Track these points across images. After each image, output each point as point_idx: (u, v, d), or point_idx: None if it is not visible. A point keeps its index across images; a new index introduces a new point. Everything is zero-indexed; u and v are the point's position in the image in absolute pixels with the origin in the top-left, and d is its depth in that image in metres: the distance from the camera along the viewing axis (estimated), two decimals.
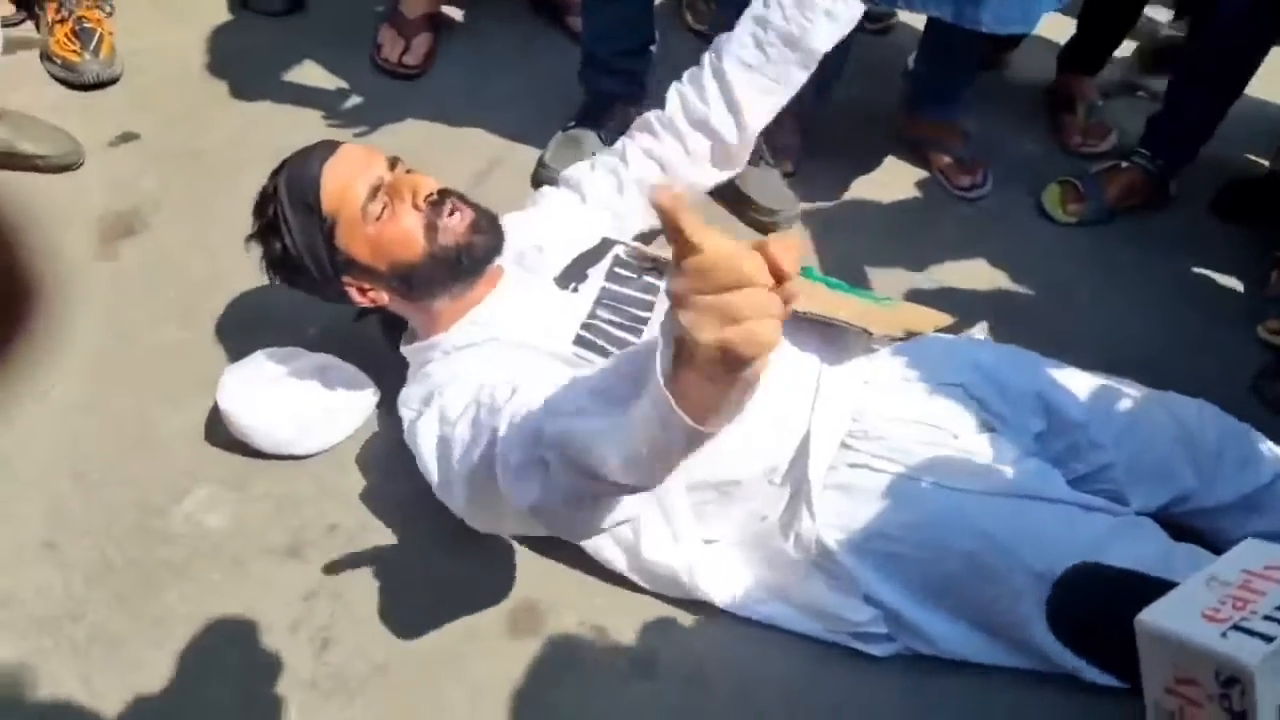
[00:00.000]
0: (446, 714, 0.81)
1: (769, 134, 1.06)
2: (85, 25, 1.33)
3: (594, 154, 1.17)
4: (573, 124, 1.29)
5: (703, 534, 0.88)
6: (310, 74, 1.39)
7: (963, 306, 1.09)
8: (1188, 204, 1.33)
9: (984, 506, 0.80)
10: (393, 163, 0.84)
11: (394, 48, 1.40)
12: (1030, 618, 0.79)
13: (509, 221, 0.90)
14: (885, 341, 0.94)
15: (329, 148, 0.84)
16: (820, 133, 1.31)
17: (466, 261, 0.83)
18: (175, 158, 1.26)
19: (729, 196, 1.24)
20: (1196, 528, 0.88)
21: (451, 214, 0.82)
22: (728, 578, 0.87)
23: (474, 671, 0.84)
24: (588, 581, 0.89)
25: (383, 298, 0.86)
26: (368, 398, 1.01)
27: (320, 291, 0.88)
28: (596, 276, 0.89)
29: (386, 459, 0.97)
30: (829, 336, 0.90)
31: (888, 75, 1.41)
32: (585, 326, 0.85)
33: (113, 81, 1.34)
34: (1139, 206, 1.30)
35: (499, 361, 0.80)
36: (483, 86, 1.41)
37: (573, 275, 0.89)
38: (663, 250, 0.95)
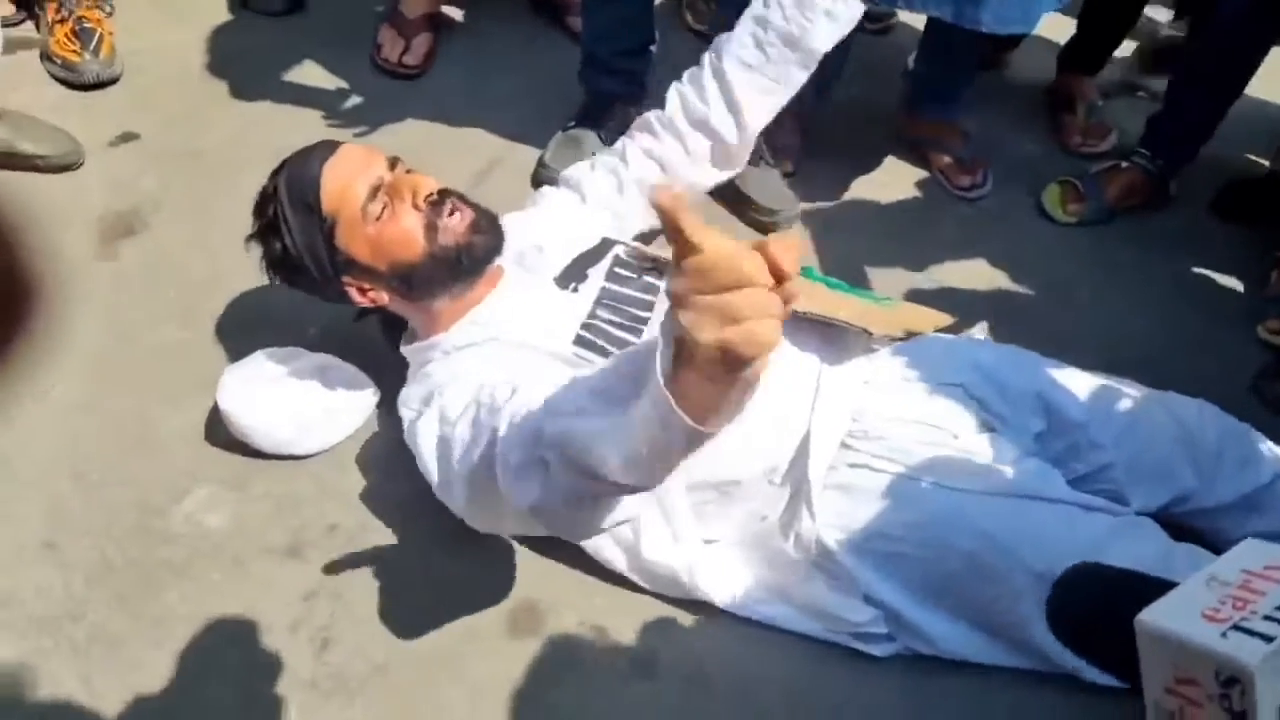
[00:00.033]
0: (446, 714, 0.81)
1: (769, 134, 1.06)
2: (85, 25, 1.33)
3: (594, 154, 1.17)
4: (572, 124, 1.29)
5: (703, 534, 0.87)
6: (310, 74, 1.39)
7: (963, 306, 1.09)
8: (1188, 204, 1.33)
9: (984, 506, 0.80)
10: (393, 163, 0.84)
11: (394, 48, 1.40)
12: (1030, 618, 0.79)
13: (509, 221, 0.90)
14: (885, 341, 0.94)
15: (329, 148, 0.84)
16: (820, 133, 1.31)
17: (466, 261, 0.83)
18: (175, 158, 1.26)
19: (729, 196, 1.24)
20: (1196, 528, 0.88)
21: (451, 214, 0.82)
22: (728, 578, 0.87)
23: (474, 672, 0.84)
24: (588, 581, 0.89)
25: (383, 298, 0.86)
26: (368, 398, 1.01)
27: (320, 291, 0.88)
28: (596, 276, 0.89)
29: (386, 459, 0.97)
30: (829, 336, 0.90)
31: (887, 75, 1.41)
32: (585, 326, 0.85)
33: (113, 81, 1.34)
34: (1139, 206, 1.30)
35: (499, 361, 0.80)
36: (482, 86, 1.41)
37: (573, 275, 0.89)
38: (663, 250, 0.95)
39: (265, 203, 0.85)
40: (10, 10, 1.40)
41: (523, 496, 0.60)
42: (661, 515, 0.85)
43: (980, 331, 1.02)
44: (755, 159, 1.13)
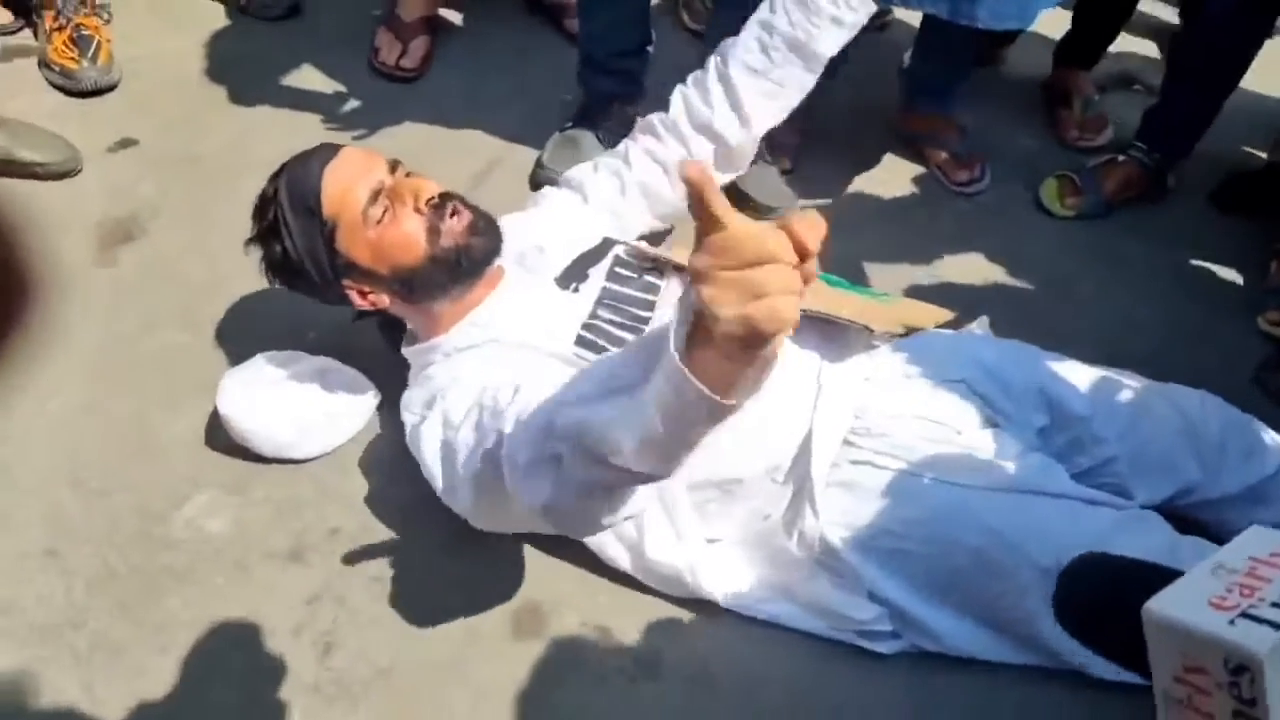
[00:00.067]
0: (450, 718, 0.81)
1: (768, 132, 1.06)
2: (83, 33, 1.33)
3: (592, 154, 1.17)
4: (570, 124, 1.29)
5: (706, 533, 0.87)
6: (308, 78, 1.39)
7: (962, 302, 1.09)
8: (1186, 197, 1.33)
9: (988, 502, 0.80)
10: (393, 166, 0.84)
11: (391, 51, 1.40)
12: (1036, 613, 0.79)
13: (509, 222, 0.90)
14: (886, 338, 0.93)
15: (329, 151, 0.84)
16: (818, 130, 1.31)
17: (465, 263, 0.83)
18: (173, 163, 1.26)
19: (727, 194, 1.24)
20: (1201, 520, 0.88)
21: (452, 216, 0.82)
22: (731, 576, 0.87)
23: (477, 674, 0.83)
24: (591, 581, 0.89)
25: (383, 300, 0.86)
26: (368, 400, 1.00)
27: (320, 294, 0.88)
28: (597, 276, 0.89)
29: (387, 462, 0.97)
30: (829, 334, 0.90)
31: (884, 72, 1.41)
32: (586, 327, 0.85)
33: (111, 88, 1.34)
34: (1136, 199, 1.30)
35: (500, 362, 0.80)
36: (480, 88, 1.41)
37: (573, 275, 0.89)
38: (663, 251, 0.95)
39: (265, 206, 0.85)
40: (8, 18, 1.41)
41: (533, 496, 0.60)
42: (664, 514, 0.85)
43: (980, 327, 1.02)
44: (753, 156, 1.13)
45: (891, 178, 1.34)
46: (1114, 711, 0.80)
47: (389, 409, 0.98)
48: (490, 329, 0.84)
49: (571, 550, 0.89)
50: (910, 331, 0.94)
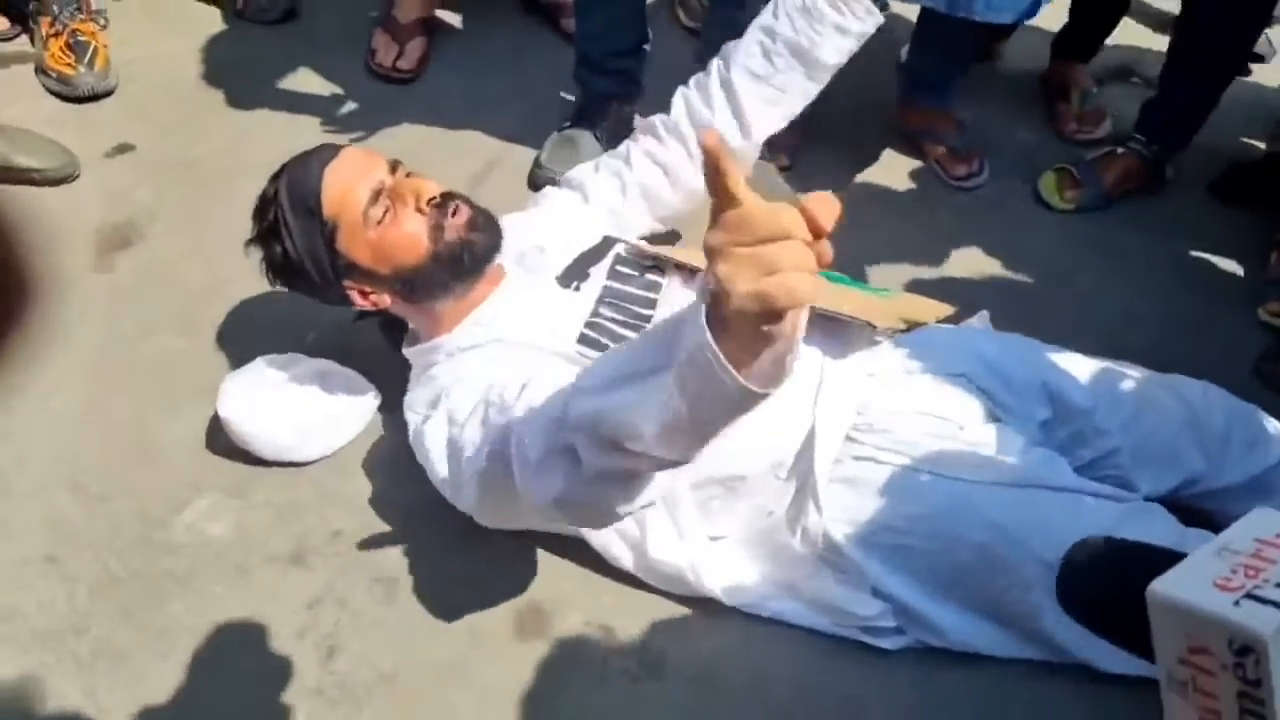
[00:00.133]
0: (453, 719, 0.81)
1: None
2: (80, 39, 1.33)
3: (590, 154, 1.17)
4: (568, 124, 1.29)
5: (709, 530, 0.87)
6: (305, 81, 1.39)
7: (962, 296, 1.08)
8: (1186, 188, 1.33)
9: (992, 497, 0.80)
10: (394, 166, 0.84)
11: (388, 52, 1.40)
12: (1041, 607, 0.79)
13: (509, 222, 0.90)
14: (888, 334, 0.93)
15: (330, 151, 0.84)
16: (816, 126, 1.31)
17: (468, 259, 0.83)
18: (170, 168, 1.26)
19: None
20: (1205, 510, 0.88)
21: (454, 214, 0.82)
22: (734, 574, 0.86)
23: (481, 676, 0.83)
24: (594, 580, 0.89)
25: (384, 300, 0.86)
26: (369, 402, 1.00)
27: (321, 295, 0.88)
28: (599, 275, 0.89)
29: (388, 464, 0.96)
30: (831, 330, 0.90)
31: (882, 68, 1.40)
32: (589, 325, 0.85)
33: (107, 94, 1.34)
34: (1136, 191, 1.30)
35: (504, 361, 0.80)
36: (478, 89, 1.41)
37: (575, 274, 0.89)
38: (663, 250, 0.95)
39: (265, 207, 0.85)
40: (5, 25, 1.41)
41: (545, 490, 0.60)
42: (666, 513, 0.85)
43: (981, 321, 1.02)
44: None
45: (890, 173, 1.34)
46: (1119, 705, 0.80)
47: (389, 411, 0.98)
48: (493, 328, 0.84)
49: (575, 550, 0.89)
50: (911, 327, 0.94)
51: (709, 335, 0.41)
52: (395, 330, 0.93)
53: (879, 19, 0.92)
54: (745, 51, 0.94)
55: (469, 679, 0.83)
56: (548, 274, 0.89)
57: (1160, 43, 1.50)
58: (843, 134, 1.36)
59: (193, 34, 1.46)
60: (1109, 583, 0.64)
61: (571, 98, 1.33)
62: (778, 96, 0.95)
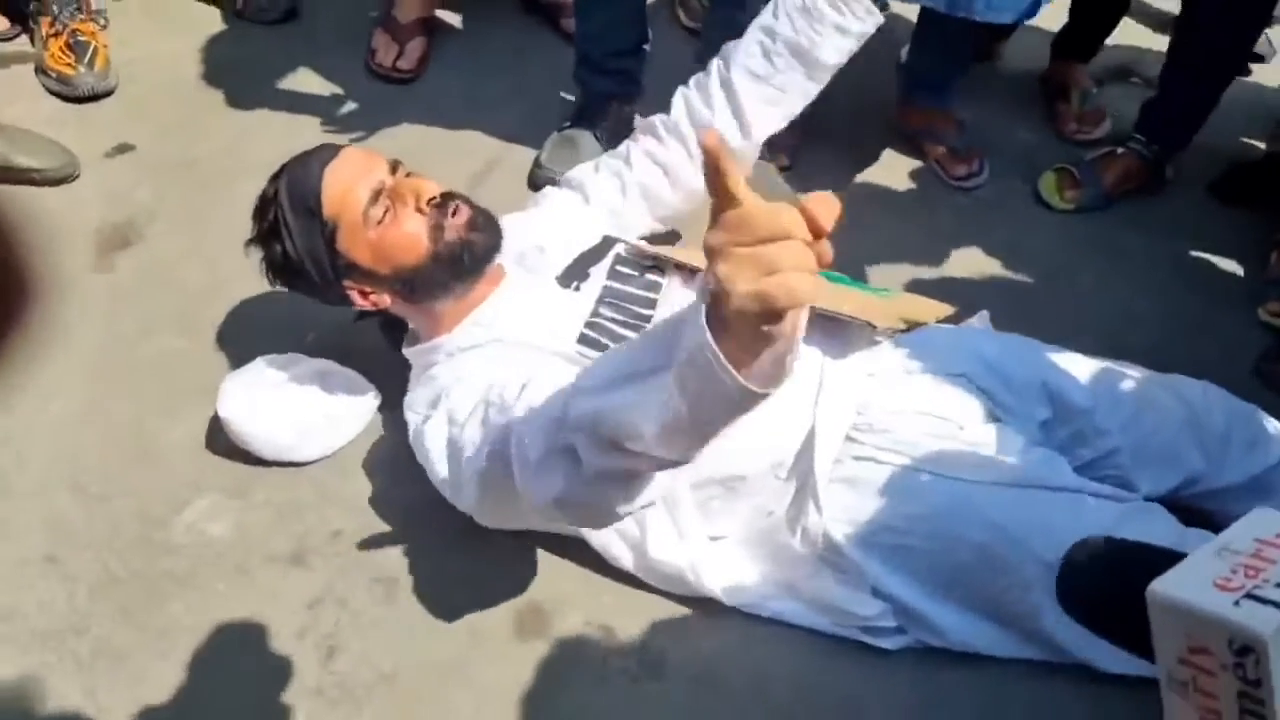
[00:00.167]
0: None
1: None
2: (80, 39, 1.33)
3: (590, 154, 1.17)
4: (568, 124, 1.29)
5: (709, 530, 0.87)
6: (305, 81, 1.39)
7: (962, 296, 1.08)
8: (1186, 188, 1.33)
9: (992, 497, 0.80)
10: (394, 166, 0.84)
11: (388, 52, 1.40)
12: (1041, 607, 0.79)
13: (509, 222, 0.90)
14: (888, 334, 0.93)
15: (330, 151, 0.84)
16: (816, 126, 1.31)
17: (468, 259, 0.83)
18: (170, 168, 1.26)
19: None
20: (1206, 509, 0.88)
21: (455, 214, 0.82)
22: (734, 574, 0.86)
23: (481, 676, 0.83)
24: (594, 580, 0.89)
25: (384, 300, 0.86)
26: (369, 402, 1.00)
27: (321, 295, 0.88)
28: (598, 275, 0.89)
29: (388, 464, 0.96)
30: (831, 330, 0.90)
31: (882, 68, 1.41)
32: (589, 325, 0.85)
33: (107, 94, 1.34)
34: (1135, 191, 1.30)
35: (504, 361, 0.80)
36: (478, 89, 1.41)
37: (575, 274, 0.89)
38: (664, 250, 0.95)
39: (265, 207, 0.85)
40: (5, 25, 1.41)
41: (545, 490, 0.60)
42: (666, 513, 0.85)
43: (981, 321, 1.02)
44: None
45: (890, 173, 1.34)
46: (1119, 705, 0.80)
47: (389, 410, 0.98)
48: (493, 328, 0.84)
49: (575, 550, 0.89)
50: (911, 326, 0.94)
51: (709, 335, 0.41)
52: (395, 330, 0.94)
53: (879, 19, 0.92)
54: (745, 51, 0.94)
55: (469, 679, 0.83)
56: (548, 274, 0.89)
57: (1160, 43, 1.50)
58: (843, 134, 1.36)
59: (193, 34, 1.46)
60: (1109, 583, 0.64)
61: (571, 98, 1.33)
62: (778, 96, 0.95)
